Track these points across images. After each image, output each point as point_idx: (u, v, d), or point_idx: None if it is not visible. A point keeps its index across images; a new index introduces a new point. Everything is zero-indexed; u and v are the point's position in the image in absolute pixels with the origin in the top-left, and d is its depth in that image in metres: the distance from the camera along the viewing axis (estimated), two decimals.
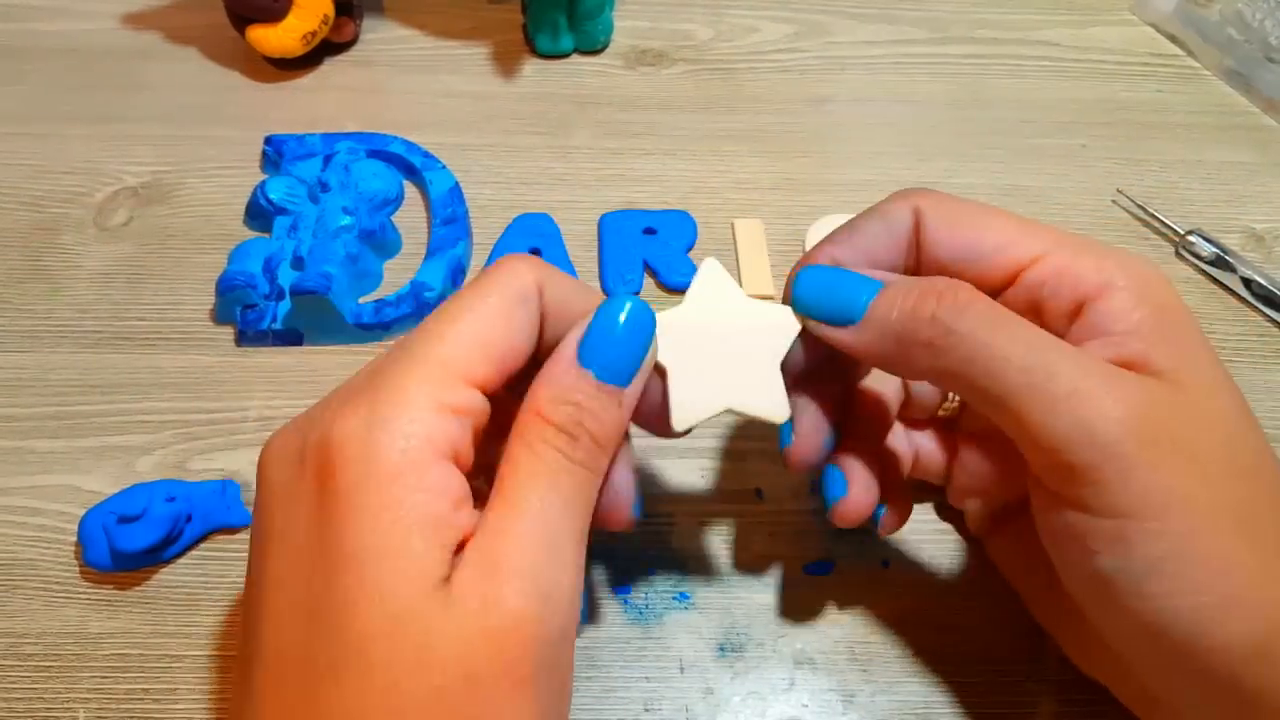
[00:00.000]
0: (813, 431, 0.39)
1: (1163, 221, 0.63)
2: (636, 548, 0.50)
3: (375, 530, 0.29)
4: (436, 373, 0.31)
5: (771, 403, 0.36)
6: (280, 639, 0.30)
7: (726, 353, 0.37)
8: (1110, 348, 0.34)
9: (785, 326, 0.37)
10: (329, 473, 0.30)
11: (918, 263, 0.37)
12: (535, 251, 0.60)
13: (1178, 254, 0.62)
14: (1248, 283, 0.60)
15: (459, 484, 0.32)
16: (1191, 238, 0.62)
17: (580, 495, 0.33)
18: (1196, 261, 0.61)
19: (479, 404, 0.33)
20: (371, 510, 0.29)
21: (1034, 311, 0.35)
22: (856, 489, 0.40)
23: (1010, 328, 0.32)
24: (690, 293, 0.38)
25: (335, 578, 0.29)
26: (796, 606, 0.48)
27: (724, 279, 0.38)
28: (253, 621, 0.32)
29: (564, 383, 0.33)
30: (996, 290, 0.36)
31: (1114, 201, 0.65)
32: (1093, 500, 0.32)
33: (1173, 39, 0.75)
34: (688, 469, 0.52)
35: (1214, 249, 0.61)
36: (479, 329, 0.33)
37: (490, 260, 0.60)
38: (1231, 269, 0.60)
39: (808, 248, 0.59)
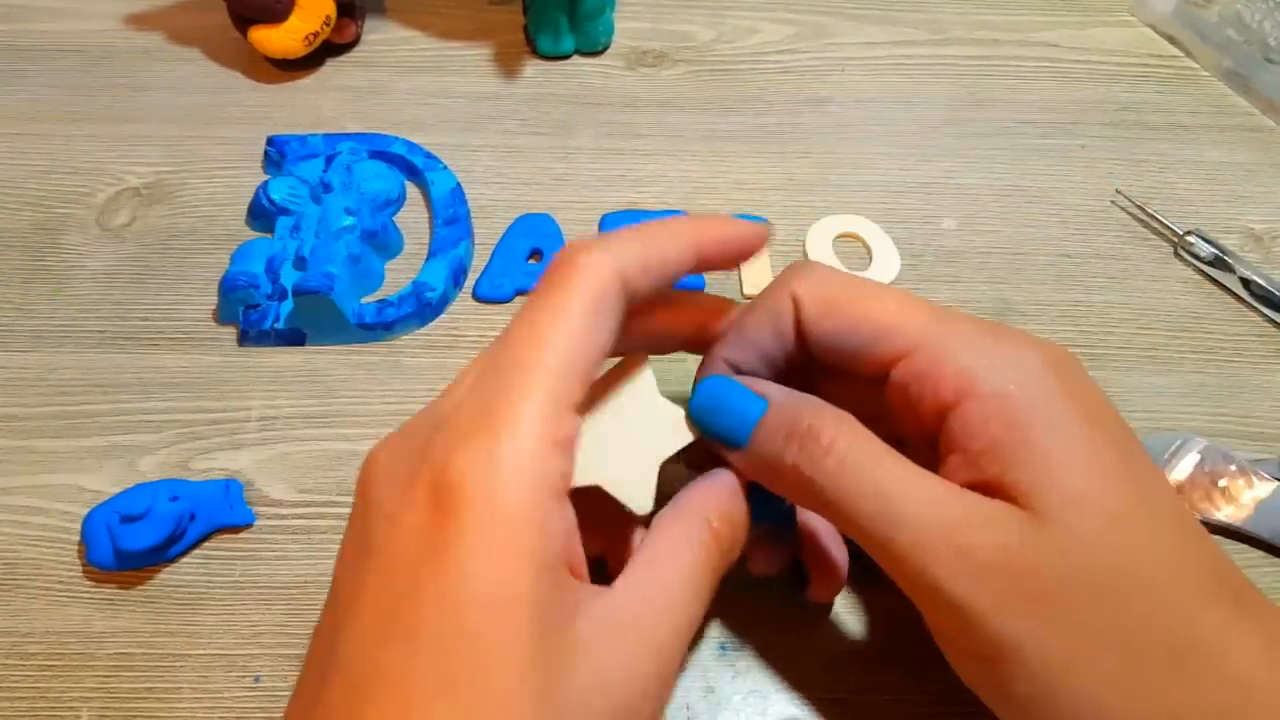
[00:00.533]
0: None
1: (1161, 222, 0.63)
2: None
3: (493, 576, 0.29)
4: (549, 406, 0.31)
5: (638, 495, 0.36)
6: (368, 655, 0.29)
7: (625, 440, 0.37)
8: (966, 468, 0.32)
9: (680, 432, 0.37)
10: (448, 507, 0.29)
11: (799, 351, 0.37)
12: (536, 253, 0.61)
13: (1176, 254, 0.63)
14: (1246, 283, 0.60)
15: (571, 520, 0.32)
16: (1190, 238, 0.62)
17: (708, 595, 0.34)
18: (1195, 262, 0.62)
19: (578, 428, 0.33)
20: (492, 554, 0.29)
21: (907, 408, 0.34)
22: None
23: (866, 472, 0.32)
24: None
25: (446, 617, 0.29)
26: (798, 604, 0.48)
27: (650, 382, 0.38)
28: (336, 632, 0.31)
29: (737, 513, 0.35)
30: (880, 378, 0.35)
31: (1113, 202, 0.65)
32: (953, 641, 0.32)
33: (1171, 40, 0.75)
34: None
35: (1213, 249, 0.61)
36: (575, 348, 0.32)
37: (495, 256, 0.60)
38: (1230, 269, 0.60)
39: (808, 249, 0.60)
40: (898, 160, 0.67)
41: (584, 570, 0.32)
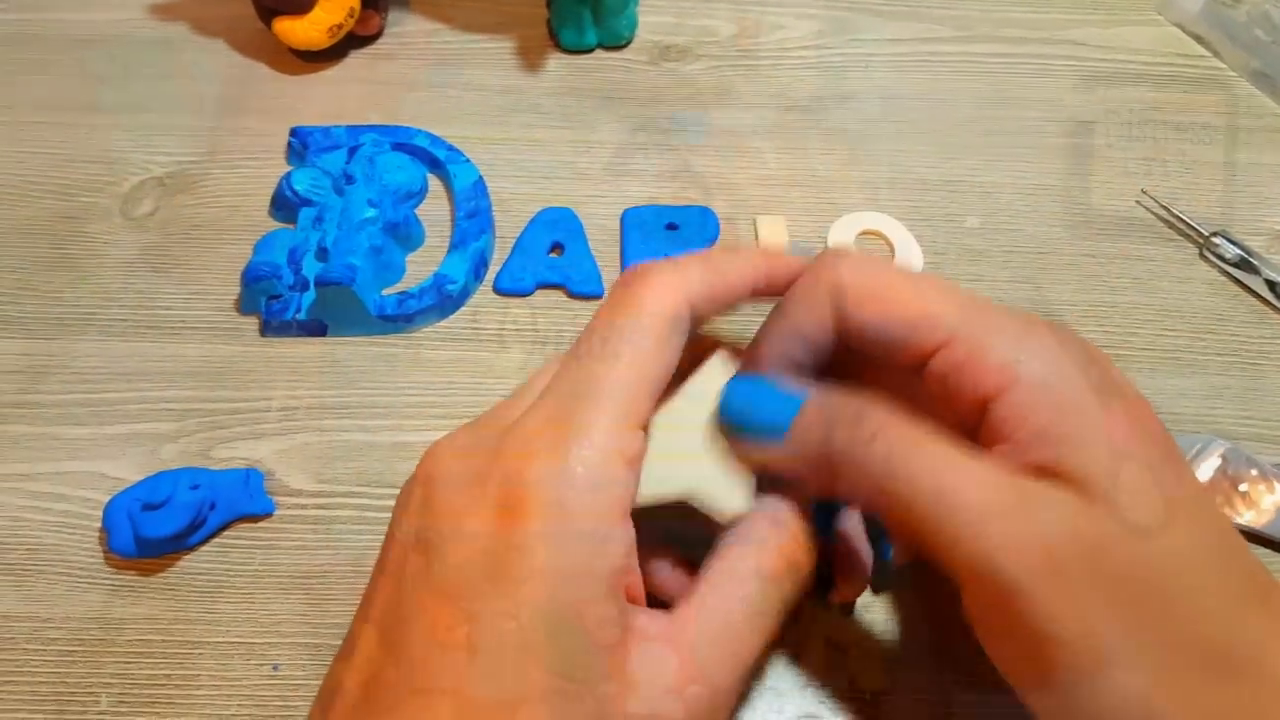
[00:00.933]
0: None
1: (1187, 223, 0.63)
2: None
3: (561, 587, 0.29)
4: (620, 422, 0.32)
5: (727, 497, 0.35)
6: (431, 659, 0.30)
7: (703, 442, 0.36)
8: (1017, 454, 0.31)
9: None
10: (519, 514, 0.30)
11: (840, 338, 0.36)
12: (558, 247, 0.60)
13: (1202, 255, 0.62)
14: (1272, 285, 0.59)
15: (632, 539, 0.32)
16: (1216, 239, 0.61)
17: (773, 626, 0.34)
18: (1220, 263, 0.61)
19: (644, 447, 0.33)
20: (560, 567, 0.30)
21: (946, 399, 0.33)
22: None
23: (916, 456, 0.31)
24: (693, 380, 0.38)
25: (507, 635, 0.29)
26: (818, 604, 0.48)
27: (728, 372, 0.38)
28: (399, 619, 0.31)
29: (808, 540, 0.35)
30: (917, 367, 0.34)
31: (1138, 202, 0.65)
32: (999, 626, 0.31)
33: (1199, 39, 0.75)
34: None
35: (1238, 251, 0.61)
36: (646, 368, 0.33)
37: (518, 251, 0.60)
38: (1256, 271, 0.60)
39: (830, 245, 0.59)
40: (922, 157, 0.66)
41: (641, 593, 0.33)
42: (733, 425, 0.36)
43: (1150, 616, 0.29)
